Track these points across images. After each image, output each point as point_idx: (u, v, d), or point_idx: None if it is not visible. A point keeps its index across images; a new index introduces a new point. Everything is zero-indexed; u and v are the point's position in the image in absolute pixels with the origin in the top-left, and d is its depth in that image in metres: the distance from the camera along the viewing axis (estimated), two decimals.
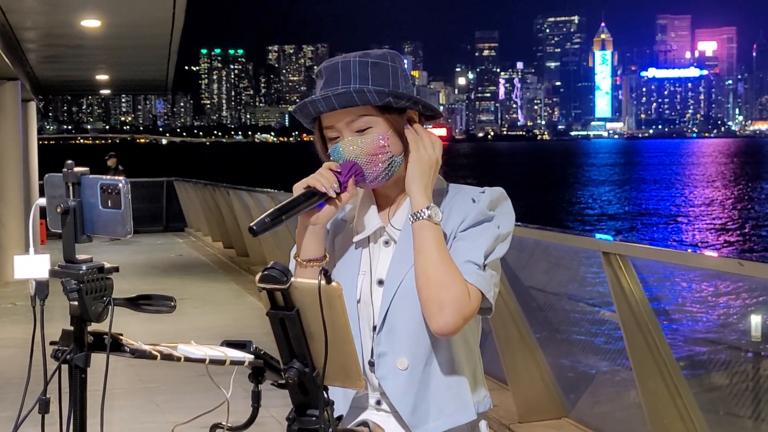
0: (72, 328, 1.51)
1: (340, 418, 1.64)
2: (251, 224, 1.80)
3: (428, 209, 1.92)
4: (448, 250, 1.93)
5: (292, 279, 1.53)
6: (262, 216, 1.82)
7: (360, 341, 1.99)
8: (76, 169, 1.50)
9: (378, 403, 2.01)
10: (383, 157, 1.95)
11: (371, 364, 1.99)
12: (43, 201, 1.54)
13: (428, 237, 1.90)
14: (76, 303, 1.47)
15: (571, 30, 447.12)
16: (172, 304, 1.55)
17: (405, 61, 2.12)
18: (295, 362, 1.57)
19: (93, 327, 1.53)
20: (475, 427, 2.03)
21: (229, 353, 1.56)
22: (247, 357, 1.58)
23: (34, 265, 1.53)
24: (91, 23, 10.64)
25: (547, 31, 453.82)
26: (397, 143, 1.97)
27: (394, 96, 1.95)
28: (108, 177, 1.50)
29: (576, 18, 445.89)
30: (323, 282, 1.50)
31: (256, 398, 1.63)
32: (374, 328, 1.99)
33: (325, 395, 1.57)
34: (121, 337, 1.51)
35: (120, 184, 1.48)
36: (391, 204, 2.06)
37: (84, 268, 1.49)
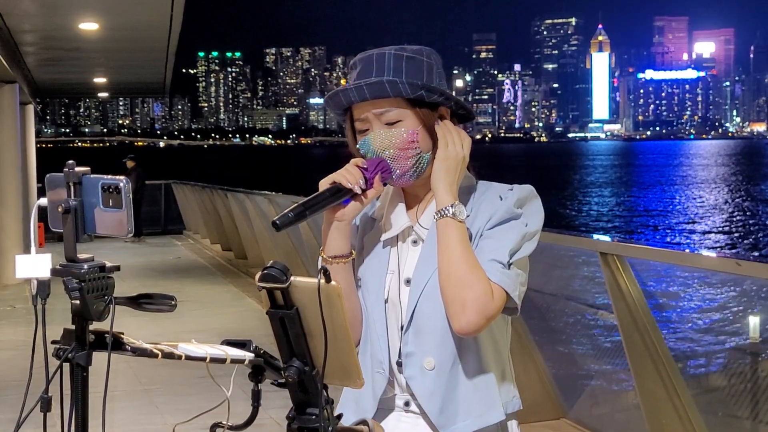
0: (73, 327, 1.52)
1: (339, 416, 1.64)
2: (274, 219, 1.78)
3: (452, 207, 1.90)
4: (472, 249, 1.90)
5: (292, 278, 1.54)
6: (286, 211, 1.80)
7: (388, 341, 1.98)
8: (77, 168, 1.51)
9: (407, 404, 1.98)
10: (412, 152, 1.93)
11: (399, 364, 1.96)
12: (44, 200, 1.55)
13: (452, 234, 1.88)
14: (77, 302, 1.48)
15: (569, 32, 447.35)
16: (173, 303, 1.55)
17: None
18: (294, 361, 1.57)
19: (94, 326, 1.54)
20: (505, 427, 2.00)
21: (230, 352, 1.56)
22: (248, 355, 1.58)
23: (35, 265, 1.53)
24: (89, 26, 10.65)
25: (545, 33, 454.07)
26: (427, 139, 1.95)
27: (427, 90, 1.92)
28: (109, 177, 1.51)
29: (573, 20, 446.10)
30: (323, 281, 1.51)
31: (256, 397, 1.64)
32: (402, 327, 1.96)
33: (325, 393, 1.58)
34: (122, 335, 1.52)
35: (121, 184, 1.49)
36: (420, 202, 2.03)
37: (85, 267, 1.49)
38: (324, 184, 1.90)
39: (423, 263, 1.96)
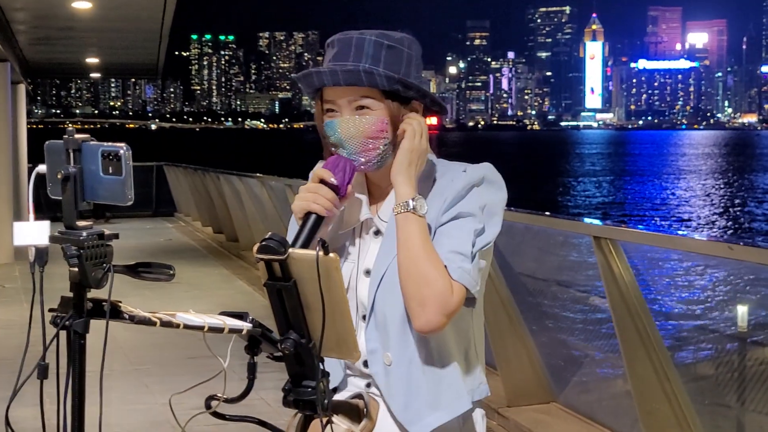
0: (71, 295, 1.51)
1: (335, 389, 1.65)
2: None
3: (413, 200, 1.86)
4: (432, 244, 1.86)
5: (290, 250, 1.54)
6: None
7: None
8: (77, 135, 1.51)
9: (368, 386, 1.97)
10: (378, 142, 1.90)
11: (365, 363, 1.95)
12: (43, 168, 1.54)
13: (412, 230, 1.84)
14: (75, 269, 1.48)
15: (563, 20, 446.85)
16: (171, 272, 1.55)
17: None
18: (291, 333, 1.58)
19: (92, 294, 1.53)
20: (468, 418, 1.96)
21: (228, 321, 1.57)
22: (245, 325, 1.58)
23: (34, 231, 1.53)
24: (81, 5, 10.58)
25: (539, 21, 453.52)
26: (392, 132, 1.92)
27: (403, 84, 1.89)
28: (109, 143, 1.50)
29: (567, 8, 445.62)
30: (321, 253, 1.51)
31: (251, 370, 1.64)
32: (364, 317, 1.94)
33: (321, 366, 1.58)
34: (120, 303, 1.52)
35: (121, 151, 1.48)
36: (382, 193, 2.01)
37: (84, 234, 1.49)
38: (298, 211, 1.85)
39: (382, 255, 1.94)
